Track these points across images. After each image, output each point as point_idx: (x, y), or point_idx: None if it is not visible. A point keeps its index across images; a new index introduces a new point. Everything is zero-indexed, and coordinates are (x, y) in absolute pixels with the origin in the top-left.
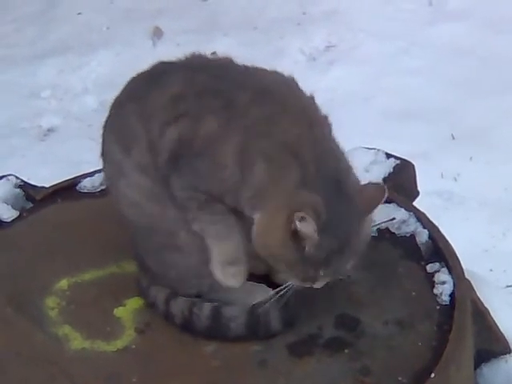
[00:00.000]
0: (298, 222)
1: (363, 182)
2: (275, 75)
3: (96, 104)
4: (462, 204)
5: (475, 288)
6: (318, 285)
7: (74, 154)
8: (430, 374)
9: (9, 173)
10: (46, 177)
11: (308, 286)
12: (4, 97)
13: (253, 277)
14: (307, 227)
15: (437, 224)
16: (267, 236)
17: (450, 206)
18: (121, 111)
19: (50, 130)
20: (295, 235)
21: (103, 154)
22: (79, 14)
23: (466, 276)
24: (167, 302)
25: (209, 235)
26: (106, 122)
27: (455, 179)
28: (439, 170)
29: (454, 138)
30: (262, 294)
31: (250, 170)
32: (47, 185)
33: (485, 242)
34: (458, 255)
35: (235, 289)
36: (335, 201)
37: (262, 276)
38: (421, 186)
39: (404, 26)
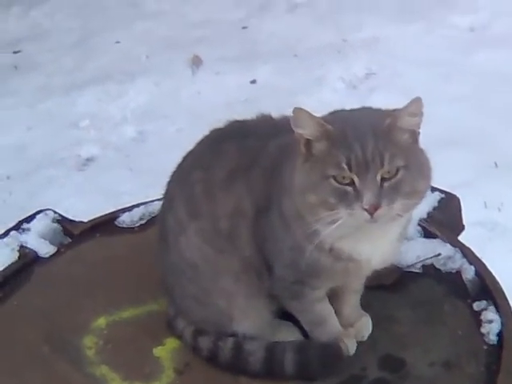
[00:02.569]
0: (297, 129)
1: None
2: None
3: (135, 133)
4: (507, 234)
5: None
6: (367, 198)
7: (113, 185)
8: None
9: (47, 205)
10: (84, 208)
11: (361, 214)
12: (43, 126)
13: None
14: (304, 123)
15: (480, 255)
16: (298, 183)
17: (494, 236)
18: (188, 177)
19: (89, 160)
20: (307, 152)
21: (167, 200)
22: (117, 42)
23: None
24: (194, 337)
25: (304, 322)
26: (176, 172)
27: (499, 209)
28: (482, 199)
29: (497, 166)
30: (287, 331)
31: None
32: (85, 217)
33: None
34: (504, 289)
35: (264, 324)
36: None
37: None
38: (464, 215)
39: (445, 52)
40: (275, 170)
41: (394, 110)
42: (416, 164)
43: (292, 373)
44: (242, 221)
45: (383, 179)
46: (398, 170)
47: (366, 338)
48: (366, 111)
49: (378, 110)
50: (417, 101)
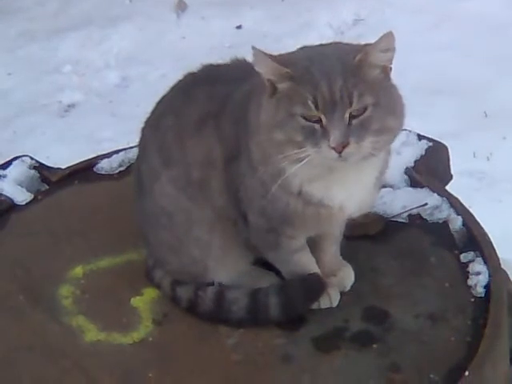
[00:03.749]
0: (257, 69)
1: (394, 165)
2: None
3: (118, 79)
4: (495, 185)
5: (511, 278)
6: (334, 136)
7: (95, 131)
8: (465, 371)
9: (28, 152)
10: (66, 155)
11: (329, 152)
12: (24, 72)
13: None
14: (263, 66)
15: (468, 205)
16: (264, 119)
17: (483, 186)
18: (161, 123)
19: (71, 106)
20: (272, 88)
21: (141, 148)
22: None
23: (502, 266)
24: (173, 287)
25: (284, 273)
26: (149, 119)
27: (488, 159)
28: (471, 148)
29: (486, 116)
30: (268, 280)
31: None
32: (66, 164)
33: None
34: (492, 240)
35: (242, 274)
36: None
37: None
38: (452, 165)
39: None
40: (243, 116)
41: (365, 45)
42: (387, 100)
43: (277, 315)
44: (213, 170)
45: (351, 116)
46: (366, 108)
47: (348, 289)
48: (336, 46)
49: (349, 45)
50: (388, 35)
